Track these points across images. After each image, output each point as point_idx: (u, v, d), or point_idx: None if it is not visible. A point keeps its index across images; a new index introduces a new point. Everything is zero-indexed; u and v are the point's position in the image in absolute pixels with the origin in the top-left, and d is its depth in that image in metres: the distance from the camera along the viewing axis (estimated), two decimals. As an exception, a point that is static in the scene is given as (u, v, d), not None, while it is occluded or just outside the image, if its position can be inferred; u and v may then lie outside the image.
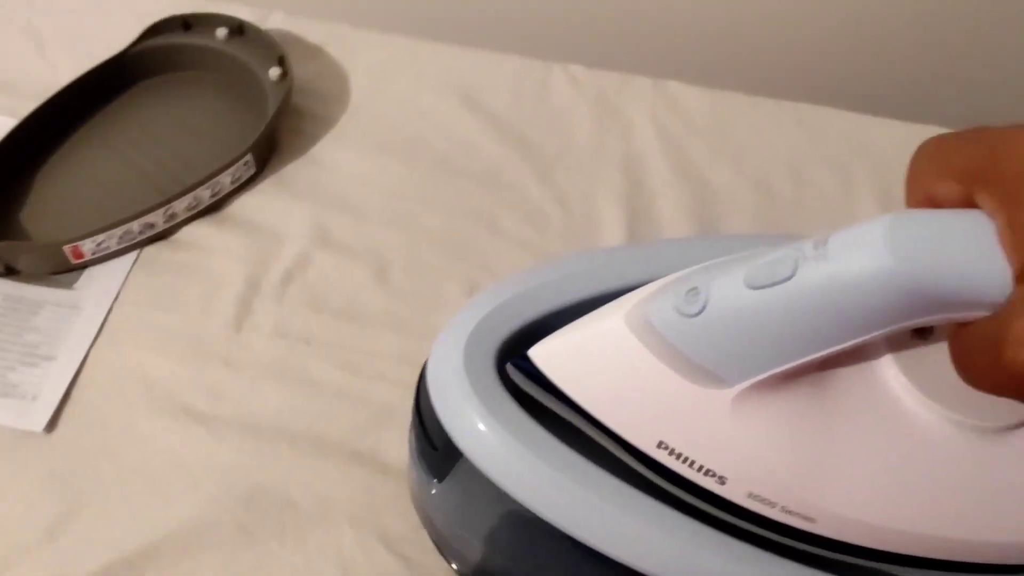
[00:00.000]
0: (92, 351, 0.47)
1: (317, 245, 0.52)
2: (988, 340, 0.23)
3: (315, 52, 0.61)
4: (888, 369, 0.28)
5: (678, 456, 0.29)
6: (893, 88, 0.69)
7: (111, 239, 0.50)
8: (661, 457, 0.29)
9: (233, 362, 0.47)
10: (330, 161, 0.56)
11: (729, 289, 0.26)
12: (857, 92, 0.66)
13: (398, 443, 0.40)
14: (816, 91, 0.62)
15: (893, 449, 0.28)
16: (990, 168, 0.23)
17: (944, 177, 0.24)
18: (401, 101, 0.59)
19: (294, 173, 0.55)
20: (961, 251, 0.23)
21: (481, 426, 0.31)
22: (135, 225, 0.50)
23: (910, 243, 0.23)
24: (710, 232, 0.53)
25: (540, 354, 0.31)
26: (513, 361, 0.31)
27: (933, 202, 0.25)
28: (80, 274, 0.50)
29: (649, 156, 0.56)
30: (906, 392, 0.28)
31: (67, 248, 0.49)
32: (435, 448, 0.33)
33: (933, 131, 0.57)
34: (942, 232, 0.23)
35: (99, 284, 0.50)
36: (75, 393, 0.46)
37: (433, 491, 0.35)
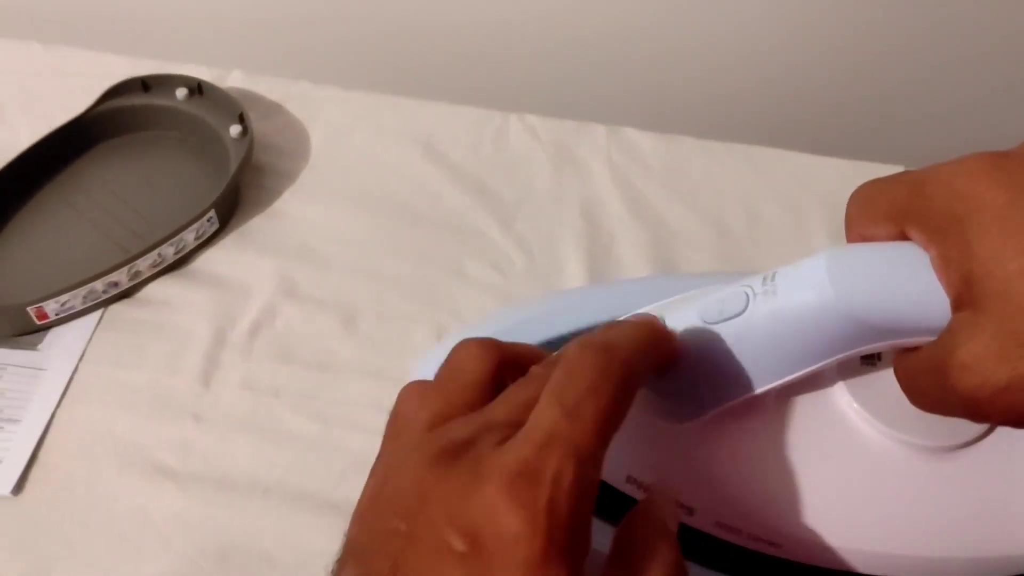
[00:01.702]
0: (58, 412, 0.47)
1: (283, 297, 0.52)
2: (933, 365, 0.24)
3: (275, 109, 0.62)
4: (841, 395, 0.29)
5: (647, 489, 0.30)
6: (835, 129, 0.72)
7: (75, 299, 0.50)
8: (630, 491, 0.30)
9: (202, 417, 0.47)
10: (293, 214, 0.56)
11: (686, 324, 0.28)
12: (802, 133, 0.69)
13: (371, 491, 0.41)
14: (763, 133, 0.64)
15: (849, 472, 0.29)
16: (916, 205, 0.25)
17: (876, 219, 0.26)
18: (362, 154, 0.60)
19: (258, 227, 0.56)
20: (899, 280, 0.24)
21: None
22: (99, 284, 0.50)
23: (850, 275, 0.25)
24: (669, 271, 0.54)
25: (508, 395, 0.31)
26: (482, 403, 0.32)
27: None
28: (44, 335, 0.50)
29: (607, 200, 0.58)
30: (859, 417, 0.29)
31: (31, 309, 0.49)
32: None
33: (874, 167, 0.59)
34: (880, 263, 0.25)
35: (64, 344, 0.50)
36: (42, 455, 0.45)
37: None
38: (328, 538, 0.43)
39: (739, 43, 0.71)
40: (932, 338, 0.25)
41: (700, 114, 0.72)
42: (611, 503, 0.30)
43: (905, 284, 0.24)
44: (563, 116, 0.63)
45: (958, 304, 0.24)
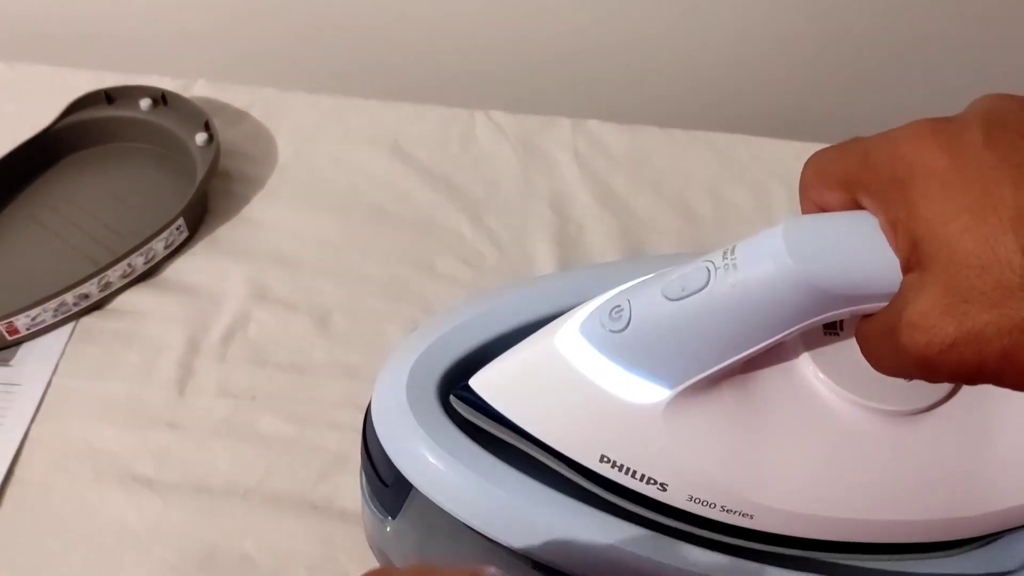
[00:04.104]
0: (33, 426, 0.47)
1: (256, 302, 0.52)
2: (886, 328, 0.25)
3: (241, 116, 0.62)
4: (806, 366, 0.30)
5: (620, 468, 0.30)
6: (793, 112, 0.73)
7: (46, 313, 0.49)
8: (604, 471, 0.30)
9: (178, 425, 0.47)
10: (262, 219, 0.56)
11: (650, 303, 0.28)
12: (761, 118, 0.70)
13: (353, 489, 0.41)
14: (724, 119, 0.65)
15: (817, 441, 0.29)
16: (865, 172, 0.25)
17: (828, 187, 0.26)
18: (330, 157, 0.60)
19: (227, 234, 0.55)
20: (853, 248, 0.25)
21: (429, 457, 0.31)
22: (69, 297, 0.50)
23: (807, 244, 0.25)
24: (638, 258, 0.55)
25: (480, 383, 0.32)
26: (455, 392, 0.32)
27: (823, 210, 0.27)
28: (16, 350, 0.50)
29: (574, 192, 0.59)
30: (824, 386, 0.29)
31: (1, 325, 0.48)
32: (386, 485, 0.34)
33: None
34: (834, 232, 0.25)
35: (36, 359, 0.49)
36: (18, 470, 0.45)
37: (388, 529, 0.36)
38: (308, 539, 0.43)
39: (697, 33, 0.72)
40: (886, 303, 0.25)
41: (663, 103, 0.73)
42: (587, 489, 0.31)
43: (859, 250, 0.25)
44: (528, 111, 0.63)
45: (907, 266, 0.24)
